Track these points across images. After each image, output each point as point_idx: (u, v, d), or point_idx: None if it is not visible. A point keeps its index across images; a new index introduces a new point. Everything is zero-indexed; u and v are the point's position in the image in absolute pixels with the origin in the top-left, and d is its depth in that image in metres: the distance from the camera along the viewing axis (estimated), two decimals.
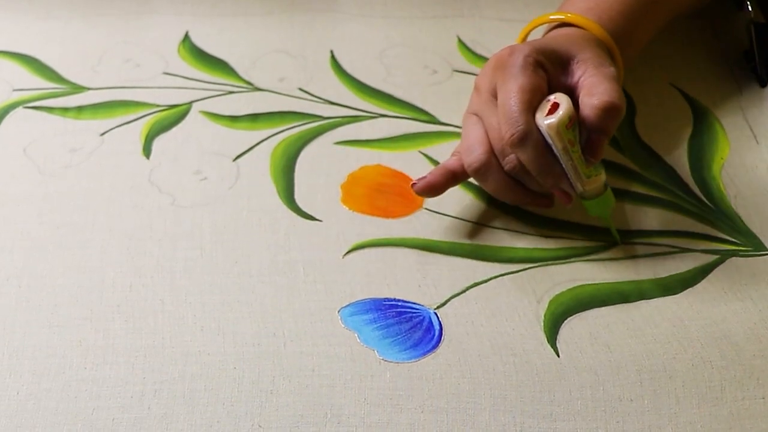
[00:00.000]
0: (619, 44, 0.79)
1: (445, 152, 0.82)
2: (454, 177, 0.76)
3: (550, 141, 0.70)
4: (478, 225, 0.76)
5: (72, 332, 0.66)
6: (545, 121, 0.70)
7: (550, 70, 0.73)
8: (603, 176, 0.73)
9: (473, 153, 0.74)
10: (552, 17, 0.81)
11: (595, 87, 0.71)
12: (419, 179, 0.75)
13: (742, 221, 0.78)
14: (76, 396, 0.62)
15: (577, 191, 0.73)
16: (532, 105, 0.71)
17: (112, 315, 0.67)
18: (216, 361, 0.64)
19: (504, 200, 0.76)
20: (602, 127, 0.70)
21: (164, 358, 0.65)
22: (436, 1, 1.00)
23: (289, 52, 0.94)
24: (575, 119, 0.70)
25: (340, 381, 0.63)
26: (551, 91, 0.72)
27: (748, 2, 0.92)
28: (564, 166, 0.71)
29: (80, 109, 0.86)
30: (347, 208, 0.77)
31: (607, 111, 0.70)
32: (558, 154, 0.71)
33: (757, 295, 0.71)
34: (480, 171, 0.74)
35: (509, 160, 0.72)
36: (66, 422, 0.61)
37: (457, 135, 0.84)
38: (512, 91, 0.71)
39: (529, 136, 0.70)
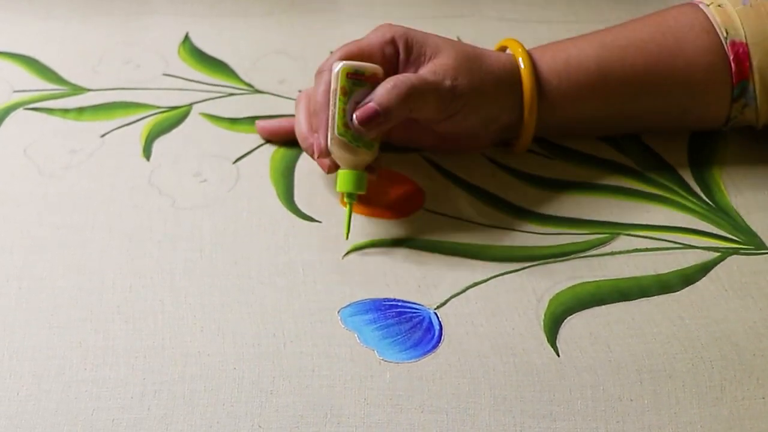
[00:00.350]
0: (548, 91, 0.79)
1: (444, 157, 0.82)
2: (292, 129, 0.82)
3: (332, 80, 0.74)
4: (477, 225, 0.76)
5: (72, 333, 0.66)
6: (336, 61, 0.74)
7: (402, 55, 0.77)
8: (362, 155, 0.74)
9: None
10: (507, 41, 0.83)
11: (408, 74, 0.75)
12: (265, 121, 0.85)
13: (742, 220, 0.77)
14: (76, 397, 0.62)
15: (323, 143, 0.74)
16: (348, 56, 0.75)
17: (112, 316, 0.67)
18: (216, 362, 0.64)
19: (296, 135, 0.80)
20: (377, 96, 0.73)
21: (164, 358, 0.65)
22: (436, 2, 1.01)
23: (289, 54, 0.94)
24: (363, 79, 0.74)
25: (340, 381, 0.63)
26: (393, 74, 0.75)
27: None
28: (330, 111, 0.74)
29: (81, 111, 0.86)
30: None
31: (392, 86, 0.73)
32: (331, 96, 0.74)
33: (758, 294, 0.71)
34: (295, 104, 0.82)
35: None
36: (66, 423, 0.61)
37: None
38: (348, 43, 0.77)
39: (323, 72, 0.76)
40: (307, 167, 0.81)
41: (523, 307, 0.69)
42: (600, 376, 0.64)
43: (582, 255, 0.74)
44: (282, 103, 0.88)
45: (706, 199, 0.79)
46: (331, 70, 0.74)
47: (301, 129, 0.79)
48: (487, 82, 0.77)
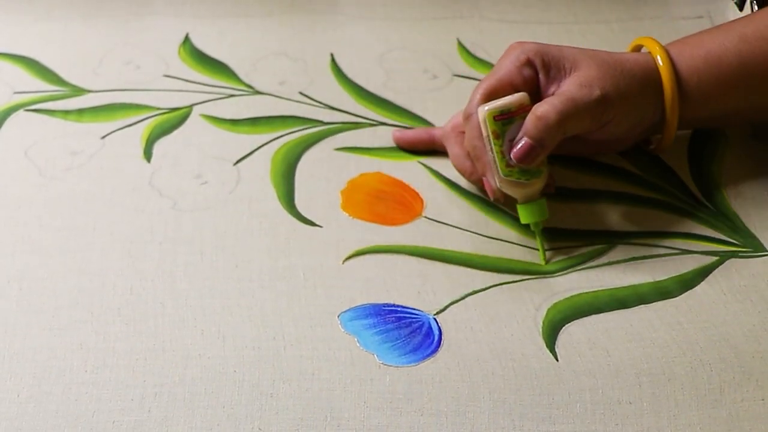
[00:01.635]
0: (688, 90, 0.78)
1: (445, 162, 0.82)
2: (431, 140, 0.84)
3: (481, 126, 0.74)
4: (475, 234, 0.76)
5: (72, 335, 0.66)
6: (480, 107, 0.74)
7: (541, 73, 0.76)
8: (534, 185, 0.74)
9: (448, 122, 0.83)
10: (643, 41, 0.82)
11: (553, 97, 0.74)
12: (401, 131, 0.85)
13: (741, 222, 0.78)
14: (77, 399, 0.62)
15: (494, 185, 0.75)
16: (490, 92, 0.75)
17: (113, 318, 0.68)
18: (216, 365, 0.65)
19: (458, 170, 0.81)
20: (528, 131, 0.73)
21: (164, 361, 0.65)
22: (436, 3, 1.00)
23: (289, 55, 0.94)
24: (511, 116, 0.74)
25: (340, 384, 0.64)
26: (537, 94, 0.76)
27: (750, 3, 0.92)
28: (489, 156, 0.75)
29: (81, 112, 0.86)
30: (347, 215, 0.77)
31: (538, 119, 0.73)
32: (485, 142, 0.74)
33: (757, 297, 0.71)
34: (443, 137, 0.83)
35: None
36: (66, 425, 0.61)
37: None
38: (486, 78, 0.77)
39: (471, 116, 0.75)
40: (308, 170, 0.81)
41: (521, 315, 0.69)
42: (599, 380, 0.64)
43: (579, 268, 0.74)
44: (282, 105, 0.88)
45: (706, 203, 0.80)
46: (477, 113, 0.74)
47: (464, 165, 0.80)
48: (633, 87, 0.76)
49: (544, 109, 0.73)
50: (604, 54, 0.77)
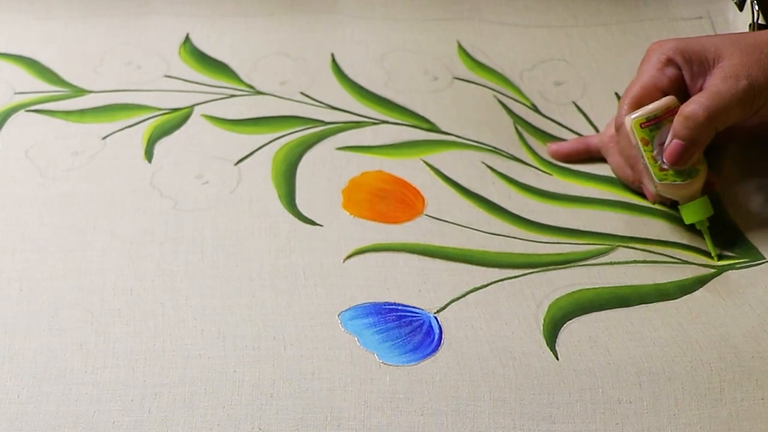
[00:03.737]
0: None
1: (447, 161, 0.82)
2: (587, 150, 0.85)
3: (630, 135, 0.76)
4: (476, 231, 0.76)
5: (73, 335, 0.66)
6: (626, 115, 0.76)
7: (685, 70, 0.77)
8: (693, 185, 0.75)
9: (605, 132, 0.84)
10: None
11: (700, 94, 0.74)
12: (557, 144, 0.86)
13: (740, 231, 0.77)
14: (77, 399, 0.62)
15: (652, 190, 0.77)
16: (635, 100, 0.77)
17: (113, 318, 0.68)
18: (216, 365, 0.65)
19: (620, 178, 0.82)
20: (677, 132, 0.74)
21: (165, 361, 0.65)
22: (437, 4, 1.00)
23: (290, 55, 0.94)
24: (658, 121, 0.75)
25: (340, 384, 0.64)
26: (686, 91, 0.77)
27: (751, 3, 0.92)
28: (642, 163, 0.76)
29: (82, 113, 0.86)
30: (348, 213, 0.77)
31: (686, 118, 0.73)
32: (637, 150, 0.76)
33: (755, 301, 0.71)
34: (602, 146, 0.84)
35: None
36: (66, 425, 0.61)
37: (458, 144, 0.85)
38: (630, 85, 0.78)
39: (621, 127, 0.77)
40: (309, 170, 0.81)
41: (522, 312, 0.69)
42: (599, 379, 0.64)
43: (581, 264, 0.74)
44: (283, 105, 0.88)
45: None
46: (625, 123, 0.76)
47: (625, 173, 0.81)
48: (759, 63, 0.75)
49: (691, 108, 0.73)
50: (748, 37, 0.76)
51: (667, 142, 0.75)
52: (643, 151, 0.76)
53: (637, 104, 0.76)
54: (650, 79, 0.77)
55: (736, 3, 0.96)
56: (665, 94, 0.77)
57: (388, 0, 1.01)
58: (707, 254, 0.76)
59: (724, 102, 0.73)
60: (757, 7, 0.92)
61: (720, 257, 0.76)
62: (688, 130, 0.73)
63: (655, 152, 0.75)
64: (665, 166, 0.75)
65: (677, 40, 0.77)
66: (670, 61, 0.77)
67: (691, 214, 0.76)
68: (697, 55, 0.76)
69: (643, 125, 0.75)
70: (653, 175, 0.76)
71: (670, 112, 0.75)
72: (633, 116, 0.76)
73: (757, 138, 0.83)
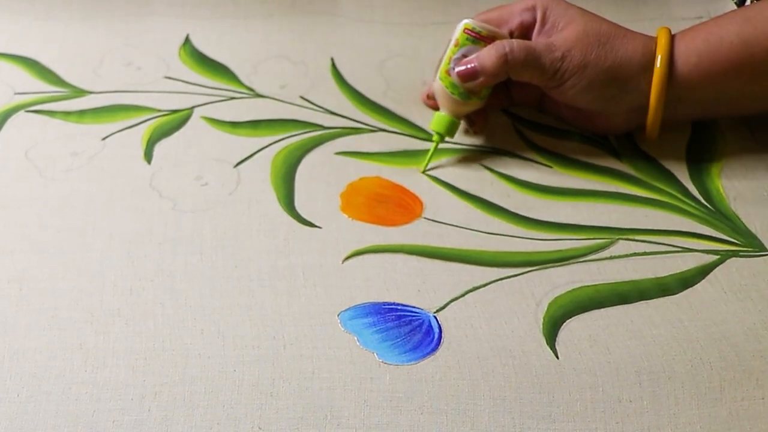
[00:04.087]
0: (686, 71, 0.79)
1: (445, 167, 0.83)
2: None
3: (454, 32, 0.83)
4: (475, 231, 0.76)
5: (72, 335, 0.66)
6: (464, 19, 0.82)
7: (538, 22, 0.82)
8: (460, 106, 0.82)
9: None
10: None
11: (520, 40, 0.80)
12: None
13: (741, 222, 0.78)
14: (77, 399, 0.62)
15: (429, 83, 0.85)
16: (484, 15, 0.84)
17: (113, 318, 0.67)
18: (216, 364, 0.65)
19: None
20: (479, 54, 0.80)
21: (164, 360, 0.65)
22: (436, 7, 1.01)
23: (290, 58, 0.95)
24: (478, 37, 0.81)
25: (340, 383, 0.64)
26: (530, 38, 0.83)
27: (751, 3, 0.92)
28: (440, 56, 0.83)
29: (82, 113, 0.86)
30: (347, 216, 0.77)
31: (491, 48, 0.80)
32: (446, 45, 0.83)
33: (757, 295, 0.71)
34: None
35: None
36: (66, 425, 0.61)
37: (456, 150, 0.85)
38: (492, 8, 0.85)
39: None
40: (308, 173, 0.81)
41: (522, 311, 0.69)
42: (599, 378, 0.64)
43: (581, 260, 0.74)
44: (283, 108, 0.88)
45: (705, 203, 0.80)
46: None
47: None
48: (606, 61, 0.79)
49: (501, 44, 0.79)
50: (605, 26, 0.80)
51: (468, 58, 0.80)
52: (449, 48, 0.82)
53: (488, 19, 0.83)
54: (507, 13, 0.83)
55: (735, 3, 0.96)
56: (511, 33, 0.82)
57: (388, 2, 1.01)
58: (710, 238, 0.76)
59: (528, 57, 0.79)
60: None
61: (426, 171, 0.82)
62: (487, 58, 0.79)
63: (455, 56, 0.81)
64: (452, 74, 0.81)
65: None
66: (531, 9, 0.82)
67: (437, 122, 0.82)
68: (553, 17, 0.81)
69: (466, 30, 0.81)
70: (438, 71, 0.82)
71: (492, 40, 0.81)
72: (466, 20, 0.82)
73: (576, 122, 0.87)
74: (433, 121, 0.83)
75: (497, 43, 0.79)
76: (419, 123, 0.88)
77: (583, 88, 0.79)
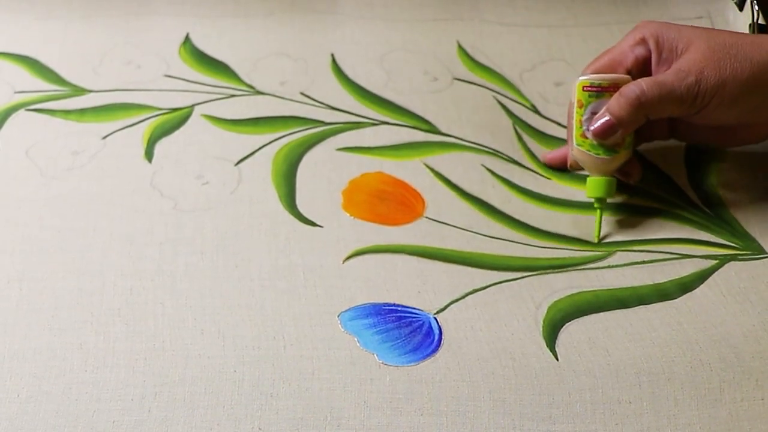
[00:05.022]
0: None
1: (446, 163, 0.82)
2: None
3: (571, 94, 0.79)
4: (476, 234, 0.76)
5: (72, 335, 0.66)
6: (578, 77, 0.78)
7: (654, 53, 0.78)
8: (608, 163, 0.77)
9: None
10: None
11: (645, 79, 0.75)
12: (550, 153, 0.85)
13: (740, 225, 0.78)
14: (77, 399, 0.62)
15: (569, 152, 0.80)
16: (597, 68, 0.79)
17: (113, 318, 0.68)
18: (216, 364, 0.65)
19: None
20: (609, 106, 0.75)
21: (164, 361, 0.65)
22: (436, 4, 1.00)
23: (290, 55, 0.94)
24: (600, 90, 0.77)
25: (340, 384, 0.64)
26: (650, 74, 0.78)
27: (751, 3, 0.92)
28: (569, 123, 0.79)
29: (82, 112, 0.86)
30: (348, 215, 0.77)
31: (620, 96, 0.75)
32: (570, 109, 0.79)
33: (756, 298, 0.71)
34: None
35: None
36: (66, 425, 0.61)
37: (458, 146, 0.85)
38: (600, 54, 0.80)
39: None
40: (309, 171, 0.81)
41: (521, 314, 0.69)
42: (599, 379, 0.64)
43: (579, 268, 0.74)
44: (283, 105, 0.88)
45: (705, 208, 0.80)
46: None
47: None
48: (744, 71, 0.74)
49: (630, 88, 0.75)
50: (726, 37, 0.76)
51: (599, 114, 0.76)
52: (575, 111, 0.77)
53: (598, 72, 0.78)
54: (618, 54, 0.78)
55: (736, 3, 0.96)
56: (628, 71, 0.78)
57: (388, 0, 1.01)
58: (708, 244, 0.76)
59: (663, 92, 0.74)
60: (757, 7, 0.92)
61: (601, 241, 0.77)
62: (619, 108, 0.75)
63: (584, 117, 0.77)
64: (588, 135, 0.77)
65: (659, 24, 0.78)
66: (642, 42, 0.78)
67: (592, 188, 0.77)
68: (669, 42, 0.77)
69: (585, 88, 0.77)
70: (573, 138, 0.78)
71: (615, 87, 0.76)
72: (581, 77, 0.78)
73: (718, 142, 0.83)
74: (588, 188, 0.77)
75: (624, 88, 0.75)
76: (421, 113, 0.88)
77: (726, 106, 0.75)
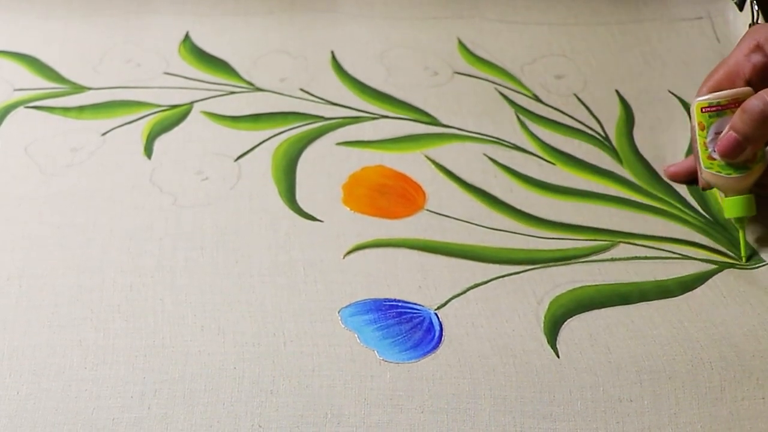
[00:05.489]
0: None
1: (448, 154, 0.82)
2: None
3: (691, 117, 0.76)
4: (477, 226, 0.76)
5: (72, 332, 0.66)
6: (696, 98, 0.76)
7: None
8: (741, 180, 0.74)
9: None
10: None
11: (766, 89, 0.72)
12: (674, 166, 0.83)
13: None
14: (77, 396, 0.62)
15: (700, 175, 0.77)
16: (715, 83, 0.75)
17: (113, 315, 0.67)
18: (216, 361, 0.64)
19: None
20: (733, 124, 0.73)
21: (164, 357, 0.65)
22: (436, 2, 1.00)
23: (289, 53, 0.94)
24: (720, 109, 0.74)
25: (340, 381, 0.64)
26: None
27: (751, 3, 0.92)
28: (694, 147, 0.77)
29: (81, 109, 0.86)
30: (348, 209, 0.77)
31: (744, 111, 0.72)
32: (692, 133, 0.77)
33: (756, 302, 0.71)
34: None
35: None
36: (66, 422, 0.61)
37: (459, 137, 0.84)
38: (715, 67, 0.77)
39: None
40: (309, 166, 0.81)
41: (523, 309, 0.69)
42: (600, 377, 0.64)
43: (582, 260, 0.74)
44: (283, 101, 0.88)
45: (704, 213, 0.79)
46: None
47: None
48: None
49: (752, 103, 0.72)
50: None
51: (723, 133, 0.74)
52: (697, 135, 0.76)
53: (716, 88, 0.75)
54: (734, 65, 0.75)
55: (736, 3, 0.96)
56: (748, 82, 0.75)
57: None
58: (709, 249, 0.76)
59: None
60: (756, 7, 0.92)
61: (749, 258, 0.75)
62: (743, 124, 0.72)
63: (708, 139, 0.75)
64: (715, 156, 0.75)
65: None
66: (758, 48, 0.74)
67: (730, 208, 0.75)
68: None
69: (704, 109, 0.75)
70: (701, 162, 0.76)
71: (736, 103, 0.74)
72: (698, 99, 0.75)
73: None
74: (726, 209, 0.75)
75: (747, 103, 0.72)
76: (421, 106, 0.88)
77: None
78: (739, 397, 0.64)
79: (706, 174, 0.76)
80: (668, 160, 0.84)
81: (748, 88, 0.74)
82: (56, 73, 0.90)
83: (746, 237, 0.76)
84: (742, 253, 0.75)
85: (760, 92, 0.72)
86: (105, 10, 0.98)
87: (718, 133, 0.74)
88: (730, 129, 0.73)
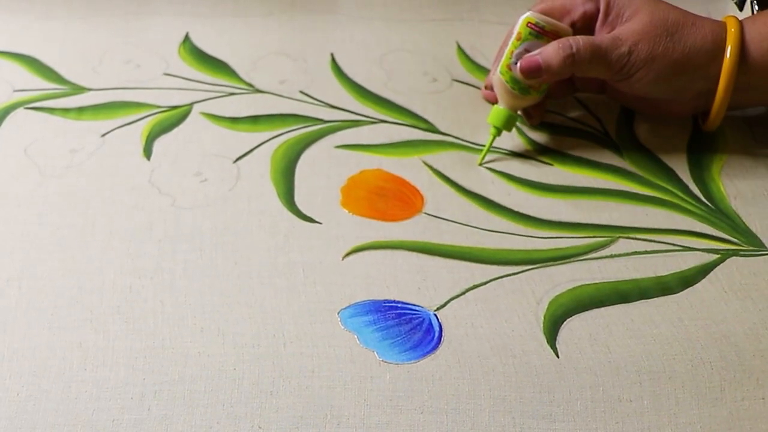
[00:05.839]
0: (758, 56, 0.78)
1: (445, 161, 0.82)
2: None
3: (515, 26, 0.82)
4: (475, 228, 0.76)
5: (72, 333, 0.66)
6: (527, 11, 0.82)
7: (601, 13, 0.81)
8: (519, 99, 0.82)
9: None
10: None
11: (585, 36, 0.79)
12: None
13: (742, 221, 0.78)
14: (76, 397, 0.62)
15: (490, 75, 0.85)
16: (544, 9, 0.82)
17: (112, 316, 0.67)
18: (216, 363, 0.64)
19: None
20: (543, 50, 0.79)
21: (164, 359, 0.65)
22: (436, 4, 1.01)
23: (289, 54, 0.94)
24: (541, 32, 0.80)
25: (340, 382, 0.63)
26: (592, 32, 0.82)
27: (751, 3, 0.92)
28: (502, 49, 0.84)
29: (81, 110, 0.86)
30: (347, 211, 0.77)
31: (557, 45, 0.79)
32: (507, 38, 0.83)
33: (757, 295, 0.71)
34: None
35: None
36: (66, 423, 0.61)
37: (457, 145, 0.85)
38: None
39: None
40: (308, 168, 0.81)
41: (522, 309, 0.69)
42: (599, 377, 0.64)
43: (581, 258, 0.74)
44: (283, 103, 0.88)
45: (706, 201, 0.80)
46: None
47: None
48: (675, 52, 0.77)
49: (567, 41, 0.78)
50: (672, 14, 0.79)
51: (532, 53, 0.80)
52: (510, 42, 0.81)
53: (546, 12, 0.81)
54: (569, 4, 0.82)
55: (736, 3, 0.96)
56: (573, 24, 0.81)
57: (388, 0, 1.01)
58: (710, 237, 0.76)
59: (595, 56, 0.78)
60: (756, 7, 0.92)
61: (483, 164, 0.82)
62: (553, 56, 0.78)
63: (517, 50, 0.81)
64: (514, 69, 0.81)
65: None
66: None
67: (494, 117, 0.82)
68: (617, 7, 0.80)
69: (530, 24, 0.80)
70: (499, 65, 0.82)
71: (555, 35, 0.80)
72: (529, 13, 0.81)
73: (639, 108, 0.87)
74: (491, 114, 0.82)
75: (563, 41, 0.79)
76: (420, 113, 0.88)
77: (650, 80, 0.79)
78: (739, 398, 0.64)
79: (495, 77, 0.82)
80: (670, 150, 0.85)
81: (570, 29, 0.81)
82: (56, 74, 0.90)
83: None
84: (481, 158, 0.82)
85: (577, 37, 0.79)
86: (105, 11, 0.98)
87: (527, 51, 0.80)
88: (540, 54, 0.79)
